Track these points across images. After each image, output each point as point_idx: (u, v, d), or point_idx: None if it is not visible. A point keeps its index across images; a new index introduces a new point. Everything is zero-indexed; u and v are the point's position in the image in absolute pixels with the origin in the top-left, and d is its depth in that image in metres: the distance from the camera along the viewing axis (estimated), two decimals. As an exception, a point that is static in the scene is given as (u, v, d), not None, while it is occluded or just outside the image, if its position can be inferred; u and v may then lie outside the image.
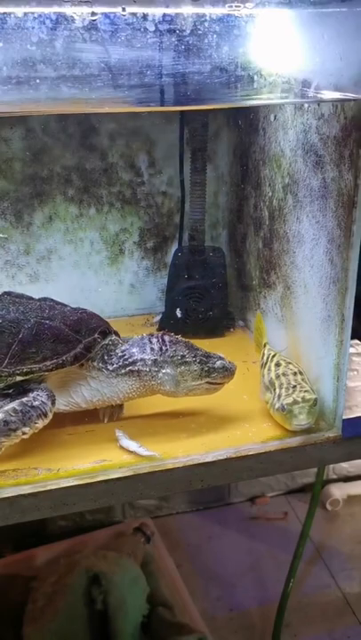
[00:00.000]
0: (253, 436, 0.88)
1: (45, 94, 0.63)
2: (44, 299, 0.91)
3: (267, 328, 1.04)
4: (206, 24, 0.63)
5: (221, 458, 0.83)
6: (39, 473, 0.80)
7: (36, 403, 0.80)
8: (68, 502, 0.80)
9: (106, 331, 0.88)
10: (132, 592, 1.34)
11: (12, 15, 0.59)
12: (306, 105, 0.86)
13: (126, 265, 1.26)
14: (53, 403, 0.82)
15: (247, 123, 1.09)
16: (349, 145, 0.77)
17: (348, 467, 1.89)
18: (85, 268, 1.23)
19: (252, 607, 1.58)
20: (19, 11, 0.59)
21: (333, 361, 0.86)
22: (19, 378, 0.81)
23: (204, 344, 0.95)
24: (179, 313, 1.16)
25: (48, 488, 0.78)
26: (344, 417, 0.87)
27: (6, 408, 0.79)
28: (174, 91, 0.66)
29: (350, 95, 0.73)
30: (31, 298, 0.91)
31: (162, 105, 0.67)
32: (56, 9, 0.60)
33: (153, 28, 0.61)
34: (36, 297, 0.93)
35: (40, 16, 0.59)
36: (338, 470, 1.89)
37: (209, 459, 0.83)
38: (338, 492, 1.84)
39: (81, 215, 1.20)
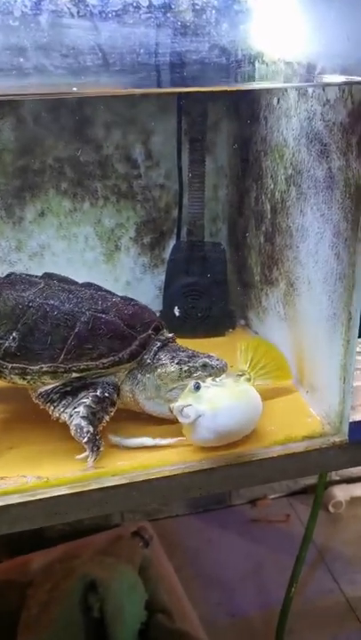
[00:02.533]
0: (256, 440, 0.83)
1: (32, 76, 0.59)
2: (89, 284, 0.87)
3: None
4: (204, -1, 0.58)
5: (221, 464, 0.79)
6: (28, 481, 0.76)
7: (107, 394, 0.79)
8: (60, 512, 0.76)
9: (159, 326, 0.86)
10: (130, 599, 1.30)
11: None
12: (310, 90, 0.82)
13: (122, 261, 1.21)
14: (118, 394, 0.81)
15: (248, 111, 1.04)
16: (357, 131, 0.72)
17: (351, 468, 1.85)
18: (79, 265, 1.19)
19: (253, 612, 1.55)
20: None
21: (340, 361, 0.81)
22: (75, 375, 0.78)
23: (204, 344, 0.91)
24: (177, 311, 1.11)
25: (38, 497, 0.74)
26: (351, 419, 0.82)
27: (86, 402, 0.77)
28: (171, 72, 0.61)
29: (358, 78, 0.68)
30: (74, 282, 0.88)
31: (158, 87, 0.62)
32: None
33: (147, 3, 0.57)
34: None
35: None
36: (341, 472, 1.85)
37: (207, 465, 0.79)
38: (341, 493, 1.80)
39: (75, 210, 1.15)
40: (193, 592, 1.50)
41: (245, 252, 1.14)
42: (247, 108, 1.05)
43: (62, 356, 0.77)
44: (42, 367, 0.77)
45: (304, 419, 0.88)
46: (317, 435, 0.84)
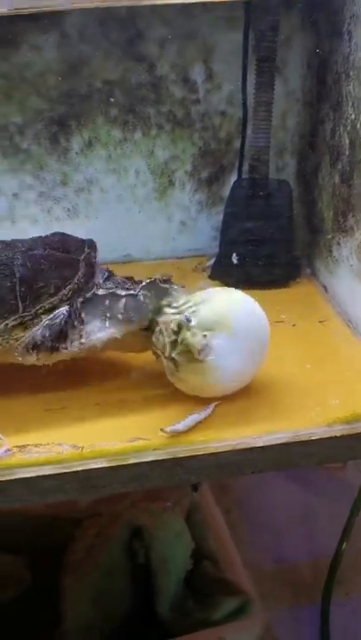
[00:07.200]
0: (317, 415, 0.73)
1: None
2: None
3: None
4: None
5: (277, 442, 0.70)
6: (64, 450, 0.69)
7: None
8: (97, 485, 0.70)
9: (91, 244, 0.78)
10: (176, 548, 1.27)
11: None
12: None
13: (176, 198, 1.09)
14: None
15: (328, 24, 0.88)
16: None
17: None
18: (130, 202, 1.08)
19: (302, 560, 1.51)
20: None
21: None
22: (44, 317, 0.73)
23: (264, 296, 0.81)
24: (235, 258, 1.00)
25: (73, 470, 0.68)
26: None
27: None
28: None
29: None
30: None
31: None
32: None
33: None
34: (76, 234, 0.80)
35: None
36: None
37: (261, 443, 0.70)
38: None
39: (125, 140, 1.03)
40: (241, 535, 1.47)
41: (316, 192, 1.00)
42: (327, 20, 0.88)
43: (21, 305, 0.71)
44: (7, 324, 0.71)
45: (375, 392, 0.77)
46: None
